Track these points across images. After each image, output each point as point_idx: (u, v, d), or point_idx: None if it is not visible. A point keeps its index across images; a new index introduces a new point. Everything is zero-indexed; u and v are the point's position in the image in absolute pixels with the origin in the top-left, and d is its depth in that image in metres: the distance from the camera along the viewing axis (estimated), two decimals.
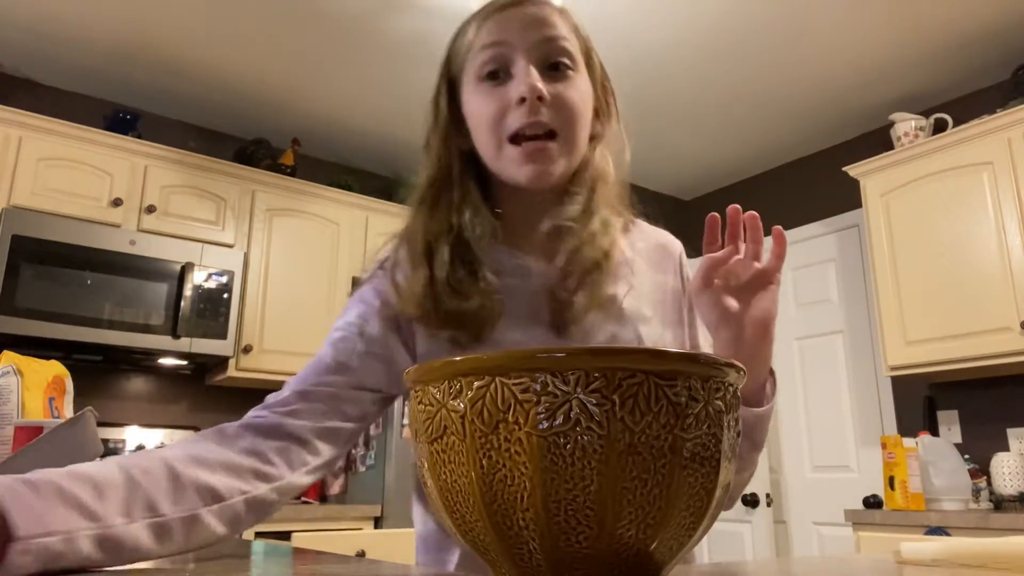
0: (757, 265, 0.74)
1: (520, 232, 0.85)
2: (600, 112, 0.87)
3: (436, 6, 2.62)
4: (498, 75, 0.79)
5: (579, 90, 0.81)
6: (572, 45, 0.81)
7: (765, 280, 0.74)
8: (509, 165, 0.79)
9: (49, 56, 2.96)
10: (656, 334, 0.85)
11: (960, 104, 3.16)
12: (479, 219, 0.81)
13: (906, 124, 3.04)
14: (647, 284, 0.88)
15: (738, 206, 0.74)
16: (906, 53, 2.91)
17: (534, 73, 0.77)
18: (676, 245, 0.97)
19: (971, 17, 2.69)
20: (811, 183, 3.69)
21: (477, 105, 0.80)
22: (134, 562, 0.54)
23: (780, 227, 0.75)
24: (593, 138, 0.86)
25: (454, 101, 0.85)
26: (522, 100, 0.76)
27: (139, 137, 3.07)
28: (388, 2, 2.61)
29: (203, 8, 2.65)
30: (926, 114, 3.09)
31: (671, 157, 3.23)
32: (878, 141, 3.32)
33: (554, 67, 0.79)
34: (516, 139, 0.78)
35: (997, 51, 2.89)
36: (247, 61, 2.97)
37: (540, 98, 0.76)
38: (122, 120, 3.10)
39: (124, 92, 3.20)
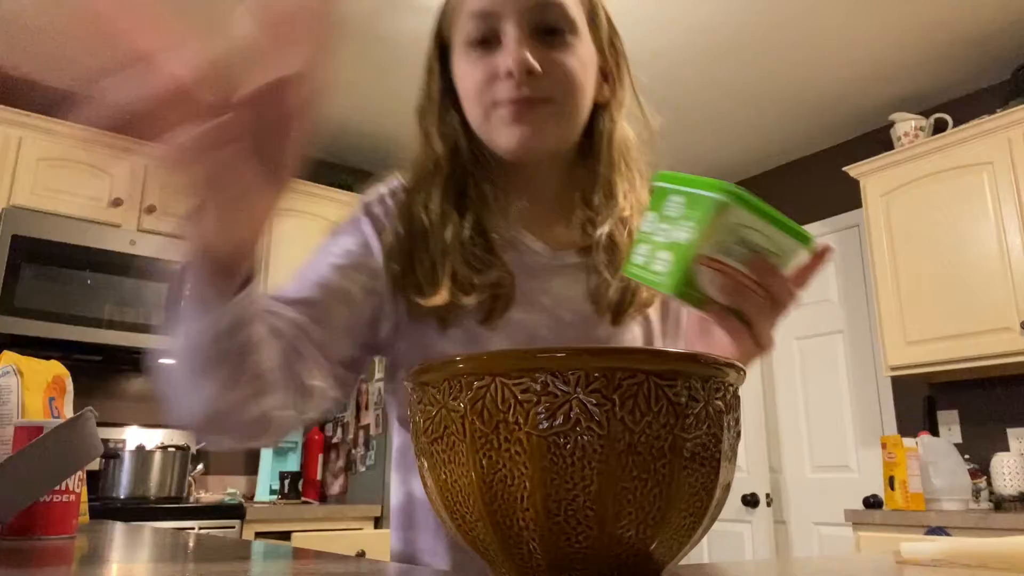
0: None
1: (524, 209, 0.80)
2: (609, 75, 0.80)
3: (436, 6, 2.62)
4: (488, 41, 0.73)
5: (578, 56, 0.74)
6: (572, 5, 0.74)
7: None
8: (496, 130, 0.73)
9: (49, 56, 2.95)
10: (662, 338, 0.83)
11: (960, 104, 3.16)
12: (489, 192, 0.77)
13: (906, 124, 3.04)
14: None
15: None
16: (906, 53, 2.91)
17: (523, 44, 0.70)
18: None
19: (971, 17, 2.69)
20: (811, 183, 3.69)
21: (463, 73, 0.75)
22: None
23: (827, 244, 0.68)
24: (602, 104, 0.80)
25: (447, 66, 0.79)
26: (510, 74, 0.70)
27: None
28: (389, 2, 2.61)
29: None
30: (926, 114, 3.09)
31: (671, 157, 3.22)
32: (878, 141, 3.32)
33: (550, 32, 0.72)
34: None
35: (997, 51, 2.89)
36: None
37: (530, 71, 0.70)
38: None
39: None
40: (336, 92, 3.13)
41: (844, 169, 3.17)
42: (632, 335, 0.80)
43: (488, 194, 0.78)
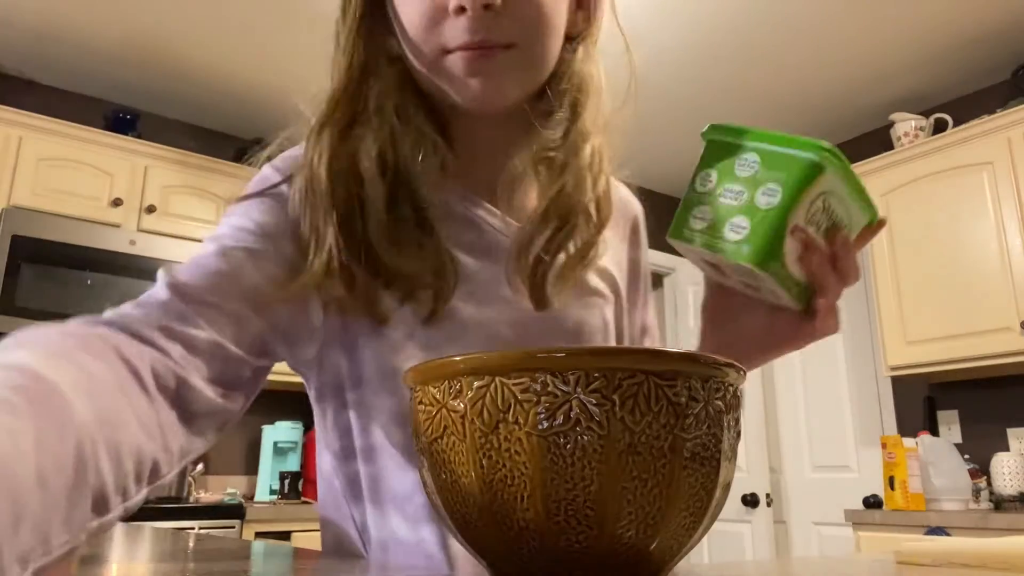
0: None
1: (473, 170, 0.65)
2: (584, 1, 0.65)
3: None
4: None
5: None
6: None
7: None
8: (447, 80, 0.58)
9: (49, 56, 2.96)
10: (616, 318, 0.71)
11: (960, 104, 3.16)
12: (424, 145, 0.60)
13: (906, 124, 3.04)
14: (613, 254, 0.72)
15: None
16: (906, 53, 2.91)
17: None
18: (635, 205, 0.79)
19: (971, 17, 2.69)
20: None
21: (402, 3, 0.59)
22: None
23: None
24: (574, 38, 0.65)
25: None
26: (461, 9, 0.55)
27: (139, 137, 3.07)
28: None
29: (203, 8, 2.65)
30: (926, 114, 3.09)
31: (671, 157, 3.23)
32: (878, 141, 3.32)
33: None
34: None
35: (997, 51, 2.89)
36: (247, 61, 2.97)
37: (487, 5, 0.54)
38: (122, 120, 3.10)
39: (124, 92, 3.20)
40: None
41: None
42: (602, 318, 0.68)
43: (425, 148, 0.60)
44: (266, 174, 0.64)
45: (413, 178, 0.59)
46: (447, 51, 0.57)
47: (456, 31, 0.56)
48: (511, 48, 0.57)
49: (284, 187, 0.62)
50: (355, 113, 0.60)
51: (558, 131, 0.62)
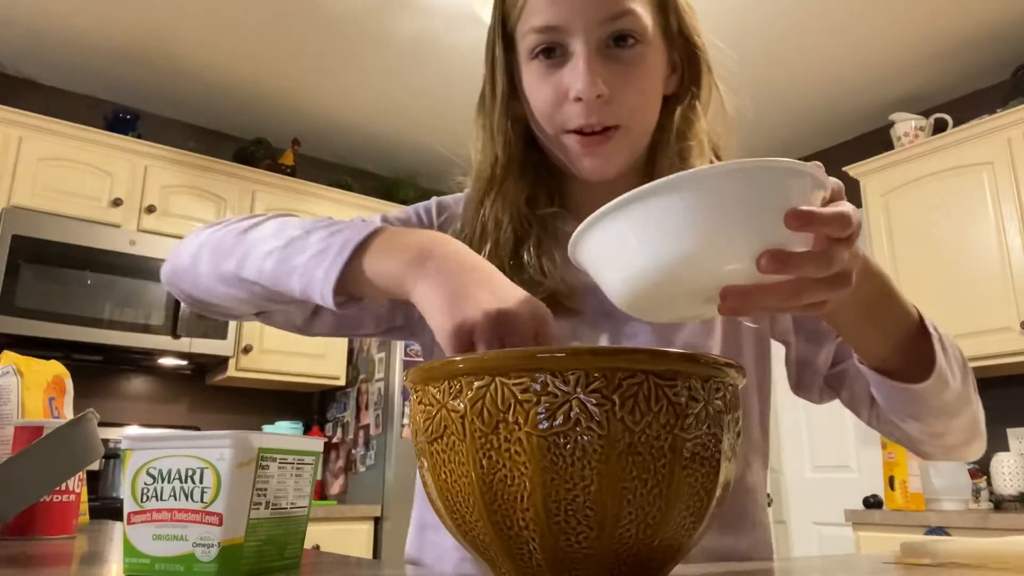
0: None
1: (586, 201, 0.75)
2: (676, 65, 0.76)
3: (436, 6, 2.62)
4: (553, 52, 0.69)
5: (647, 66, 0.70)
6: (639, 9, 0.69)
7: None
8: (567, 154, 0.72)
9: (49, 56, 2.96)
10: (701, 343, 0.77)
11: (960, 104, 3.16)
12: (550, 203, 0.75)
13: (906, 124, 3.04)
14: None
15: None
16: (906, 53, 2.91)
17: (593, 65, 0.67)
18: None
19: (971, 18, 2.69)
20: None
21: (531, 86, 0.72)
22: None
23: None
24: (671, 98, 0.76)
25: (511, 64, 0.74)
26: (578, 98, 0.68)
27: (139, 137, 3.07)
28: (388, 2, 2.61)
29: (203, 8, 2.65)
30: (926, 114, 3.09)
31: None
32: (878, 141, 3.32)
33: (620, 39, 0.68)
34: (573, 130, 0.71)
35: (997, 51, 2.89)
36: (247, 61, 2.97)
37: (599, 96, 0.67)
38: (122, 120, 3.11)
39: (124, 92, 3.20)
40: (335, 93, 3.13)
41: (844, 169, 3.17)
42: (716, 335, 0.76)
43: (555, 209, 0.75)
44: (429, 206, 0.83)
45: (543, 230, 0.74)
46: (566, 130, 0.70)
47: (575, 115, 0.69)
48: (618, 128, 0.70)
49: (433, 208, 0.83)
50: (504, 175, 0.75)
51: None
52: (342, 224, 0.63)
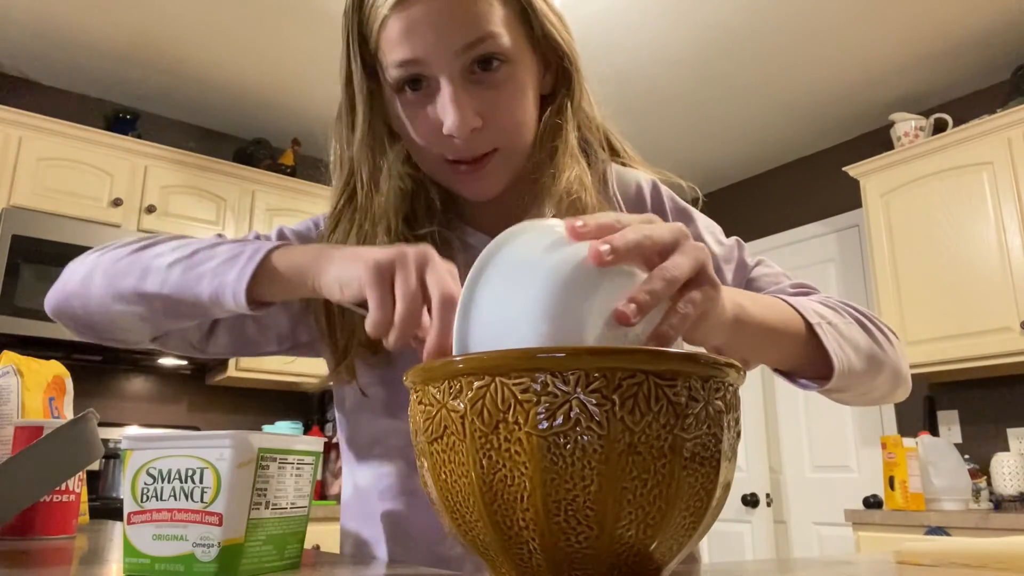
0: None
1: (476, 208, 0.77)
2: (552, 63, 0.75)
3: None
4: (419, 83, 0.67)
5: (515, 84, 0.68)
6: (498, 29, 0.66)
7: None
8: (447, 180, 0.72)
9: (49, 56, 2.96)
10: None
11: (960, 104, 3.16)
12: (429, 219, 0.74)
13: (906, 124, 3.04)
14: None
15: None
16: (906, 53, 2.91)
17: (461, 98, 0.65)
18: (644, 181, 0.83)
19: (971, 17, 2.69)
20: (811, 183, 3.69)
21: (402, 118, 0.70)
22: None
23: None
24: (544, 99, 0.75)
25: (373, 89, 0.72)
26: (451, 135, 0.66)
27: (139, 137, 3.07)
28: None
29: (203, 8, 2.65)
30: (926, 114, 3.09)
31: (671, 157, 3.23)
32: (878, 141, 3.32)
33: (483, 63, 0.66)
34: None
35: (997, 51, 2.89)
36: (247, 61, 2.97)
37: (472, 129, 0.66)
38: (122, 120, 3.11)
39: (124, 92, 3.20)
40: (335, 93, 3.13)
41: (844, 169, 3.17)
42: None
43: (434, 228, 0.74)
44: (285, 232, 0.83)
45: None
46: (444, 160, 0.70)
47: (449, 147, 0.68)
48: (496, 151, 0.69)
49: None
50: (381, 210, 0.72)
51: (543, 173, 0.73)
52: (245, 240, 0.69)
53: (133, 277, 0.69)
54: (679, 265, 0.44)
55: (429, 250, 0.55)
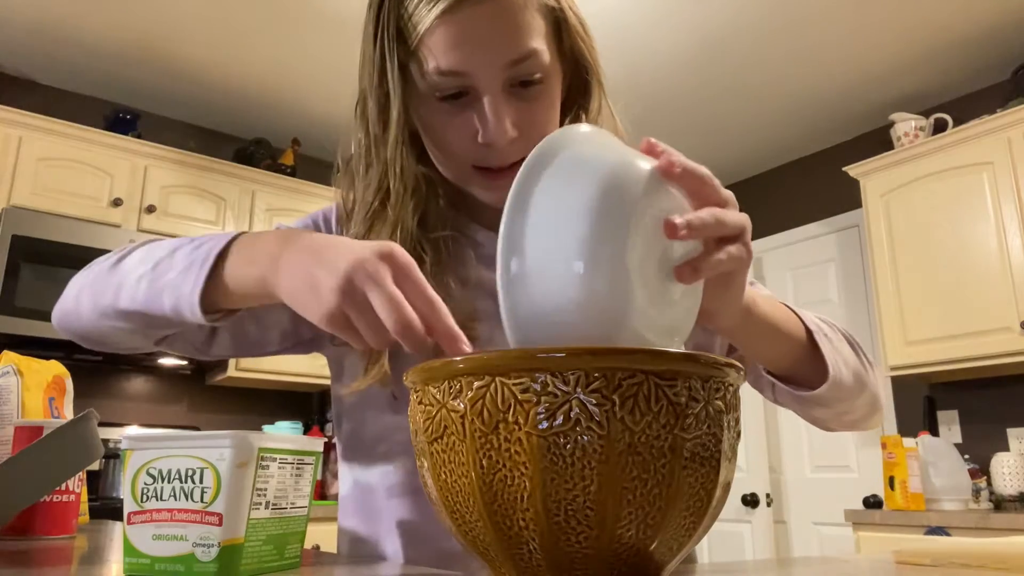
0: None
1: (483, 206, 0.77)
2: (566, 75, 0.75)
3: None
4: (459, 96, 0.67)
5: (549, 98, 0.71)
6: (540, 45, 0.67)
7: None
8: (469, 185, 0.72)
9: (49, 56, 2.96)
10: None
11: (960, 104, 3.16)
12: (441, 223, 0.74)
13: (906, 124, 3.04)
14: None
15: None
16: (906, 53, 2.91)
17: (503, 111, 0.66)
18: None
19: (971, 17, 2.69)
20: (811, 183, 3.69)
21: (434, 123, 0.70)
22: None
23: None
24: (566, 110, 0.77)
25: (406, 89, 0.70)
26: (489, 144, 0.67)
27: (139, 137, 3.07)
28: None
29: (203, 8, 2.65)
30: (926, 114, 3.09)
31: None
32: (878, 141, 3.32)
33: (524, 83, 0.68)
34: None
35: (997, 51, 2.89)
36: (247, 61, 2.97)
37: (510, 140, 0.67)
38: (122, 120, 3.10)
39: (124, 92, 3.20)
40: (335, 92, 3.13)
41: (844, 169, 3.17)
42: None
43: (448, 237, 0.74)
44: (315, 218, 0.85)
45: (441, 260, 0.74)
46: (474, 166, 0.70)
47: (484, 156, 0.69)
48: (522, 161, 0.67)
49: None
50: (394, 206, 0.72)
51: None
52: (206, 238, 0.65)
53: (110, 294, 0.69)
54: (731, 214, 0.49)
55: (385, 247, 0.52)
